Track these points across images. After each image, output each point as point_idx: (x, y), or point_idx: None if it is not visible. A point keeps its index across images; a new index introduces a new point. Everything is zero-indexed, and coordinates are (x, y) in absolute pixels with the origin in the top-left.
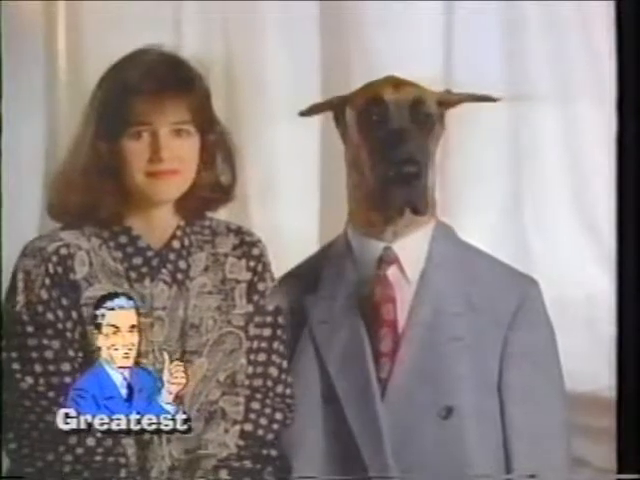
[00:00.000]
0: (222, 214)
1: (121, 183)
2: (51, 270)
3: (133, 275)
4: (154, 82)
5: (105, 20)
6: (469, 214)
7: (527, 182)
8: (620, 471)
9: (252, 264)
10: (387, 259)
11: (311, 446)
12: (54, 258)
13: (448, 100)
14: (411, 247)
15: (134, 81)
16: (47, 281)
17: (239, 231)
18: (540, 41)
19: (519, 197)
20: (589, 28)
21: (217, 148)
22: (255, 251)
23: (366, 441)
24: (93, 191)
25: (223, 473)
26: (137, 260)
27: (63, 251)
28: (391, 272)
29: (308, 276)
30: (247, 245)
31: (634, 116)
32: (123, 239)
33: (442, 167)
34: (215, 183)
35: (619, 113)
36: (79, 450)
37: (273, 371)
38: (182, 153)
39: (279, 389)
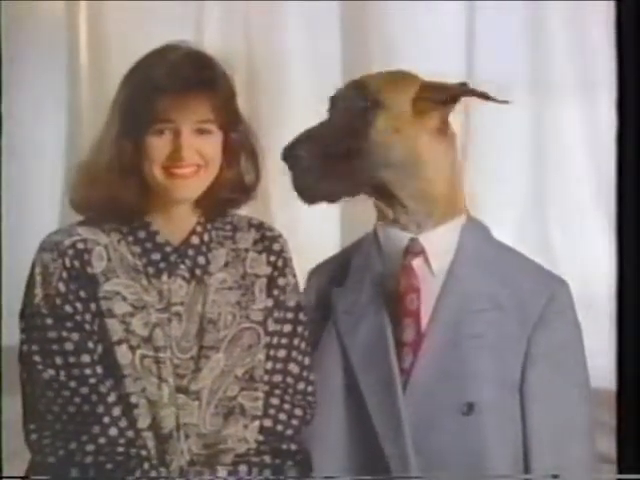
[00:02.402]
0: (244, 213)
1: (143, 180)
2: (68, 264)
3: (151, 270)
4: (178, 80)
5: (127, 18)
6: (491, 211)
7: (550, 180)
8: (620, 471)
9: (272, 259)
10: (413, 250)
11: (333, 436)
12: (70, 252)
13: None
14: (438, 240)
15: (159, 78)
16: (64, 274)
17: (260, 226)
18: (563, 38)
19: (542, 194)
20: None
21: (241, 147)
22: (276, 246)
23: (387, 433)
24: (116, 187)
25: (242, 468)
26: (155, 255)
27: (80, 245)
28: (416, 263)
29: (337, 268)
30: (268, 240)
31: (634, 116)
32: (142, 234)
33: (464, 164)
34: (238, 182)
35: (619, 113)
36: (101, 440)
37: (293, 368)
38: (204, 152)
39: (300, 386)
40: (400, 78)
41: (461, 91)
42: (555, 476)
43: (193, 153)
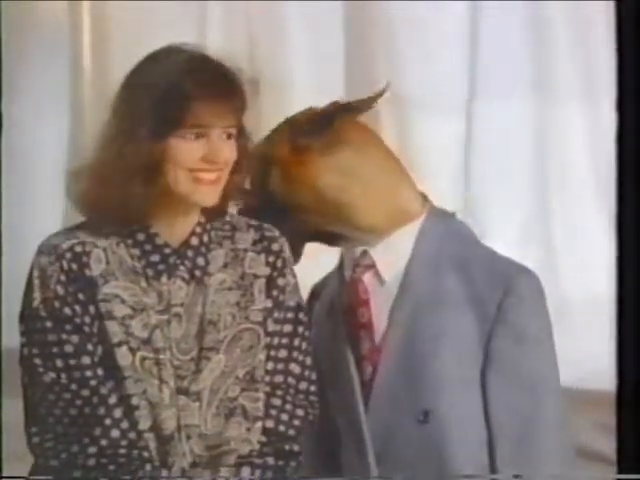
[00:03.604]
0: None
1: (159, 184)
2: (65, 266)
3: (150, 272)
4: (211, 86)
5: (129, 19)
6: (496, 213)
7: (553, 181)
8: (620, 471)
9: (271, 259)
10: (362, 263)
11: (305, 442)
12: (68, 255)
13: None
14: (389, 249)
15: (189, 84)
16: (62, 277)
17: (259, 227)
18: (566, 39)
19: (545, 196)
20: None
21: (245, 150)
22: (275, 246)
23: (350, 444)
24: (127, 190)
25: (245, 469)
26: (155, 257)
27: (78, 248)
28: (367, 276)
29: (320, 282)
30: (267, 240)
31: (634, 116)
32: (141, 237)
33: (469, 166)
34: (241, 186)
35: (619, 113)
36: (103, 442)
37: (295, 368)
38: (227, 156)
39: (302, 386)
40: (273, 130)
41: (333, 111)
42: (517, 476)
43: (222, 158)
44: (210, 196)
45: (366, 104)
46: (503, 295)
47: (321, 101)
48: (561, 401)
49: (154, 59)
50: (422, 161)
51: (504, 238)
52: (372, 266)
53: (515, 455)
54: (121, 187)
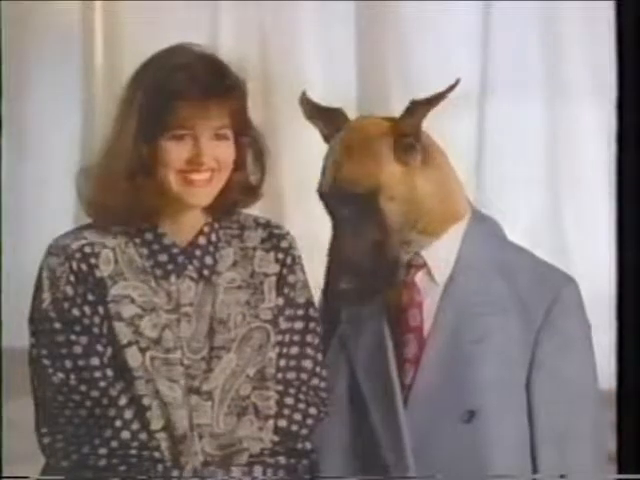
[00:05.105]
0: (256, 212)
1: (157, 185)
2: (75, 267)
3: (159, 272)
4: (200, 87)
5: (141, 19)
6: (507, 211)
7: (566, 181)
8: (620, 471)
9: (281, 257)
10: (414, 263)
11: (336, 442)
12: (77, 255)
13: None
14: (439, 250)
15: (179, 84)
16: (72, 278)
17: (267, 224)
18: (578, 38)
19: (558, 196)
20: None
21: (249, 149)
22: (284, 244)
23: (388, 445)
24: (132, 192)
25: (257, 469)
26: (163, 257)
27: (87, 249)
28: (419, 277)
29: None
30: (276, 238)
31: (634, 116)
32: (149, 236)
33: (479, 166)
34: (245, 184)
35: (619, 113)
36: (114, 443)
37: (307, 364)
38: (220, 157)
39: (314, 382)
40: (365, 148)
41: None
42: (562, 476)
43: (210, 159)
44: (203, 197)
45: (439, 98)
46: (551, 302)
47: (333, 102)
48: (599, 406)
49: (152, 60)
50: None
51: (514, 236)
52: (424, 266)
53: (557, 458)
54: (121, 188)
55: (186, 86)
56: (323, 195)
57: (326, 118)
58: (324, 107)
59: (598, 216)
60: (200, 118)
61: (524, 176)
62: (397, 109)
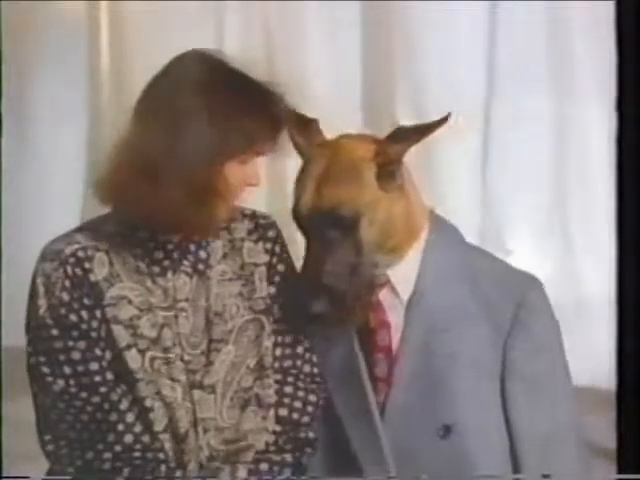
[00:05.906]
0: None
1: (206, 203)
2: (70, 272)
3: (156, 270)
4: (276, 118)
5: (147, 21)
6: (514, 212)
7: (572, 182)
8: (620, 471)
9: (269, 246)
10: (377, 282)
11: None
12: (71, 260)
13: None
14: (402, 265)
15: (255, 111)
16: (67, 283)
17: (253, 215)
18: (583, 38)
19: (564, 195)
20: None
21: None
22: (271, 233)
23: (366, 455)
24: (176, 196)
25: (263, 466)
26: (159, 254)
27: (80, 254)
28: (382, 296)
29: None
30: (262, 228)
31: (634, 116)
32: (143, 234)
33: (485, 170)
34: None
35: (619, 113)
36: (117, 448)
37: (300, 350)
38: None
39: (306, 368)
40: (352, 175)
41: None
42: (546, 476)
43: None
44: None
45: (428, 130)
46: (517, 307)
47: (340, 102)
48: (575, 404)
49: (209, 80)
50: (440, 160)
51: (522, 237)
52: (385, 284)
53: (540, 463)
54: (169, 192)
55: (255, 111)
56: (300, 215)
57: (300, 125)
58: (300, 114)
59: (601, 216)
60: (270, 144)
61: (530, 175)
62: (402, 110)
